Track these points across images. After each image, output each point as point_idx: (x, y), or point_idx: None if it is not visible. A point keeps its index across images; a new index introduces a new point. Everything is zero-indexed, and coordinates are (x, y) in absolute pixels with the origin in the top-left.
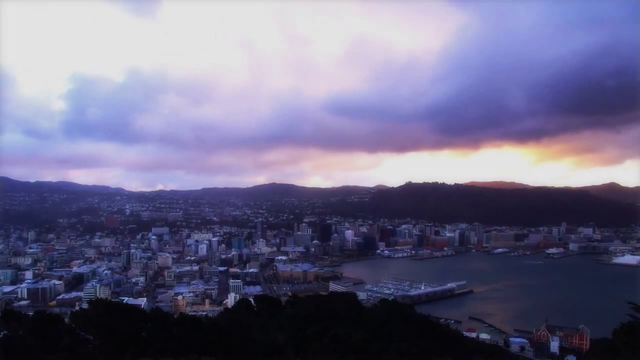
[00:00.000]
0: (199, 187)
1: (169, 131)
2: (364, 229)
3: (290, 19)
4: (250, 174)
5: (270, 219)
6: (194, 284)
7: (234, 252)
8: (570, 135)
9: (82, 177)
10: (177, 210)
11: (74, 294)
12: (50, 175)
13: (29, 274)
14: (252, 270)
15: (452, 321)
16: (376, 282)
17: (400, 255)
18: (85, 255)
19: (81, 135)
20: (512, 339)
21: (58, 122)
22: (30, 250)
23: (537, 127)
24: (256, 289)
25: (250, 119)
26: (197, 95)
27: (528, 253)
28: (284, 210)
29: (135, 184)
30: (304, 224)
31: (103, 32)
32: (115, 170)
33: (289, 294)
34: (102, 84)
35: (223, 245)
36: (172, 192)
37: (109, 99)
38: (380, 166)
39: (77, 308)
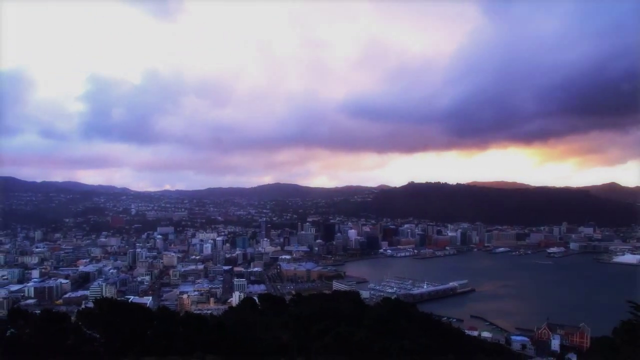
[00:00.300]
0: (204, 187)
1: (186, 132)
2: (367, 229)
3: (306, 21)
4: (257, 174)
5: (274, 219)
6: (198, 282)
7: (238, 252)
8: (577, 136)
9: (89, 177)
10: (182, 210)
11: (80, 293)
12: (57, 176)
13: (35, 273)
14: (256, 269)
15: (454, 320)
16: (379, 281)
17: (402, 254)
18: (91, 255)
19: (96, 136)
20: (513, 337)
21: (74, 123)
22: (37, 249)
23: (545, 128)
24: (260, 288)
25: (266, 121)
26: (215, 97)
27: (529, 252)
28: (288, 210)
29: (142, 184)
30: (307, 224)
31: (121, 34)
32: (124, 170)
33: (293, 292)
34: (119, 85)
35: (227, 245)
36: (177, 191)
37: (126, 101)
38: (385, 166)
39: (83, 307)
